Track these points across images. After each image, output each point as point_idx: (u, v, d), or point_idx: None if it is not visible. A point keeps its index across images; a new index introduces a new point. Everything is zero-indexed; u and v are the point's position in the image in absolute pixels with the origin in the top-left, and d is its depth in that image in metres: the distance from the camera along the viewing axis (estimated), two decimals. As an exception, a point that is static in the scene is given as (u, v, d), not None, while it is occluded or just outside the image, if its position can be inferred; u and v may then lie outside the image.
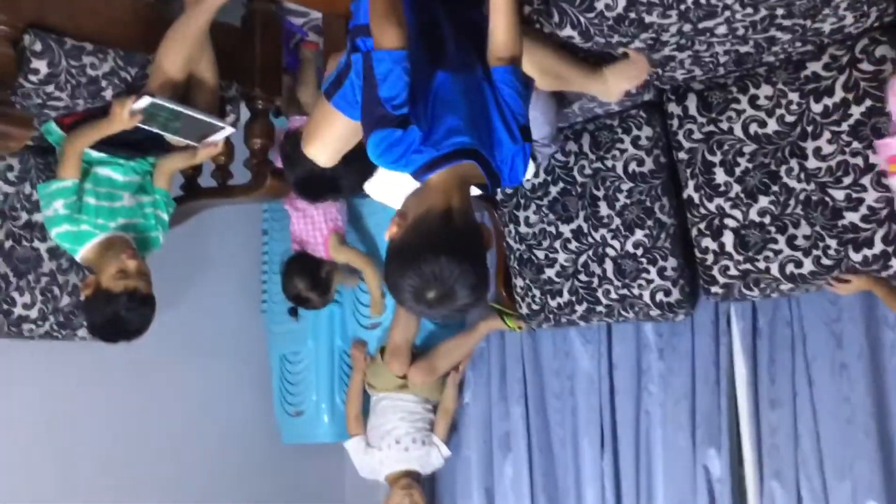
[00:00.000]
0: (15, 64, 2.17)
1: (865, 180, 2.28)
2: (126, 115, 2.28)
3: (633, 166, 2.71)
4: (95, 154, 2.52)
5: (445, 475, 3.52)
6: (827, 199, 2.35)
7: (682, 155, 2.58)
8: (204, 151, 2.57)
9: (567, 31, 2.13)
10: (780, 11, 2.04)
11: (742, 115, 2.46)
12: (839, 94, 2.30)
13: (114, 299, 2.39)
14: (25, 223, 2.70)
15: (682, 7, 2.00)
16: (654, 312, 2.76)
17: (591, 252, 2.83)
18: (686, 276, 2.72)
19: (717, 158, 2.51)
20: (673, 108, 2.58)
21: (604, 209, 2.78)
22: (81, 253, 2.49)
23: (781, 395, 2.70)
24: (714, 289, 2.58)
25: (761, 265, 2.47)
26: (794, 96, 2.37)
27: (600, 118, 2.76)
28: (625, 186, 2.73)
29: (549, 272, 2.93)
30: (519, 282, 3.03)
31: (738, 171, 2.48)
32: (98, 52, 2.30)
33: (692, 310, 2.80)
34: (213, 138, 2.51)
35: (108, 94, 2.38)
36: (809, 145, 2.36)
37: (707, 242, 2.56)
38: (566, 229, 2.87)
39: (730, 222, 2.51)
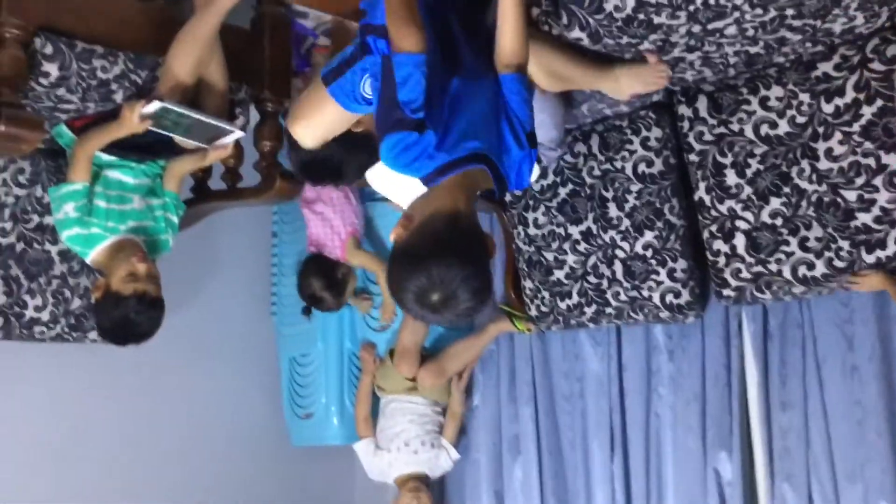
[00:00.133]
0: (26, 67, 2.17)
1: (878, 181, 2.27)
2: (136, 119, 2.28)
3: (642, 167, 2.70)
4: (106, 157, 2.52)
5: (454, 478, 3.52)
6: (839, 200, 2.33)
7: (693, 157, 2.57)
8: (214, 154, 2.57)
9: (576, 33, 2.12)
10: (789, 12, 2.03)
11: (753, 117, 2.45)
12: (850, 94, 2.29)
13: (123, 302, 2.39)
14: (37, 226, 2.71)
15: (692, 8, 1.99)
16: (664, 314, 2.75)
17: (600, 254, 2.82)
18: (696, 277, 2.71)
19: (727, 160, 2.50)
20: (683, 109, 2.57)
21: (613, 210, 2.77)
22: (92, 256, 2.49)
23: (792, 397, 2.68)
24: (726, 291, 2.57)
25: (773, 267, 2.46)
26: (804, 97, 2.36)
27: (609, 119, 2.76)
28: (634, 188, 2.72)
29: (559, 274, 2.92)
30: (528, 283, 3.02)
31: (749, 172, 2.47)
32: (108, 55, 2.30)
33: (702, 312, 2.79)
34: (222, 141, 2.51)
35: (119, 96, 2.39)
36: (821, 146, 2.35)
37: (719, 245, 2.55)
38: (575, 231, 2.86)
39: (741, 224, 2.50)
